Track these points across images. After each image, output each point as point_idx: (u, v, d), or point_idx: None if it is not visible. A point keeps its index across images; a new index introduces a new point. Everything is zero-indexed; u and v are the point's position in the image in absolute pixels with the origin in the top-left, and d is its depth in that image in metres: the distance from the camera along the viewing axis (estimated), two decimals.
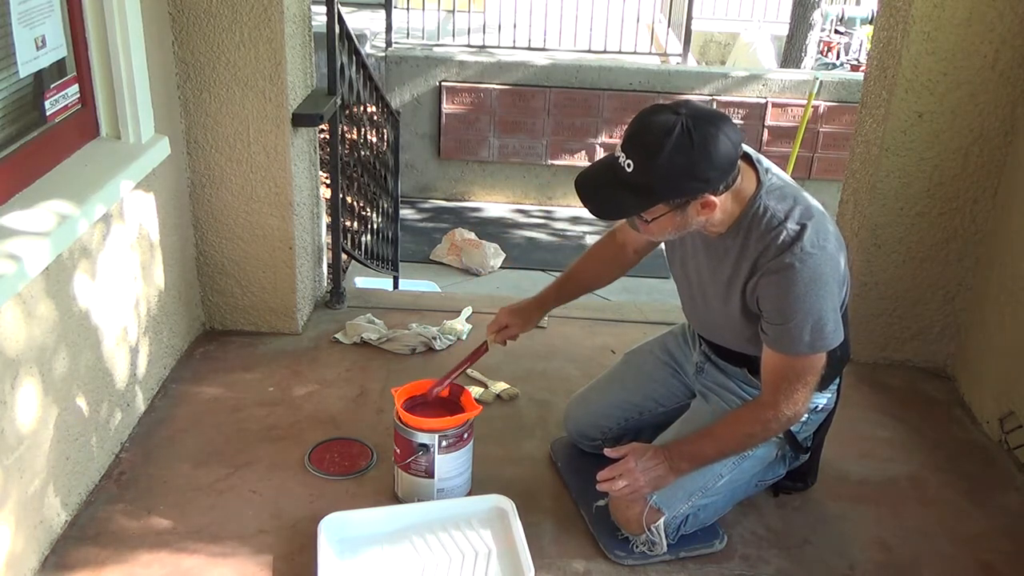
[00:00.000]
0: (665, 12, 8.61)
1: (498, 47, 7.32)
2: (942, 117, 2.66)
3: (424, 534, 2.10)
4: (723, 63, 10.68)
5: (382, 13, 7.13)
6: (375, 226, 4.50)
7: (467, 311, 3.20)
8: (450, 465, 2.18)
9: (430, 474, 2.18)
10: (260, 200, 2.83)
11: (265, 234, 2.87)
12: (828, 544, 2.21)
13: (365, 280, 4.90)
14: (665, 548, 2.08)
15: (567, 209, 6.97)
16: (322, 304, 3.23)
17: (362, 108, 4.10)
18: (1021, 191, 2.61)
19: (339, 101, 3.13)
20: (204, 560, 2.07)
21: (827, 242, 1.85)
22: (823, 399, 2.14)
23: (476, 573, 2.01)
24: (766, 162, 1.95)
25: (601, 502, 2.15)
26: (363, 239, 4.29)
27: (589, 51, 7.44)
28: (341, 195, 3.33)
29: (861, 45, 10.92)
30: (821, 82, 6.41)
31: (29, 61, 2.07)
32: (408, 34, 7.30)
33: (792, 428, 2.11)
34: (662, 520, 2.04)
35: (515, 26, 7.28)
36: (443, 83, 6.83)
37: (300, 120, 2.78)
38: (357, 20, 7.36)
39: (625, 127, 1.83)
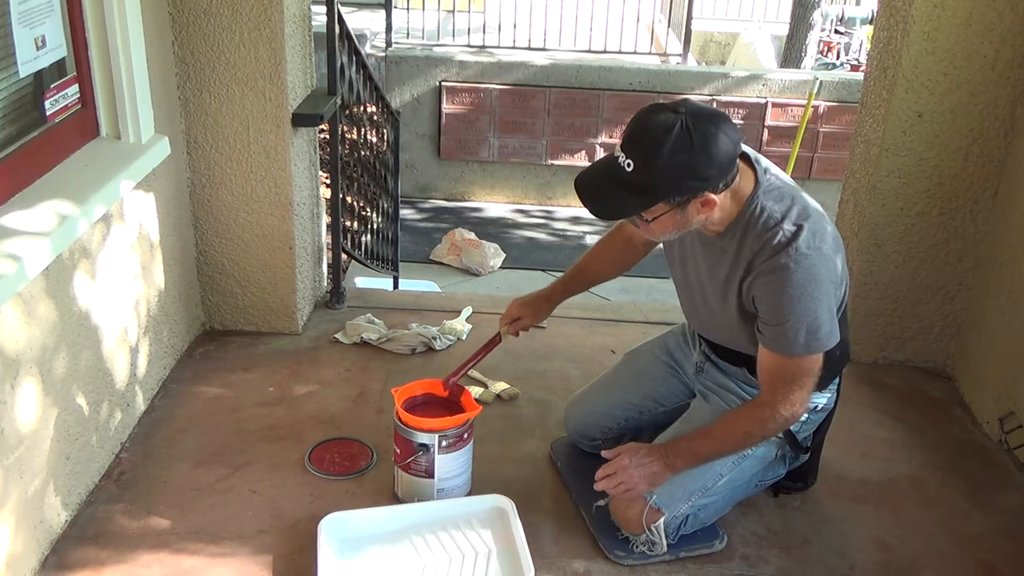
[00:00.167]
0: (665, 12, 8.61)
1: (498, 47, 7.32)
2: (942, 117, 2.66)
3: (424, 534, 2.10)
4: (723, 63, 10.68)
5: (382, 13, 7.13)
6: (375, 226, 4.50)
7: (467, 311, 3.20)
8: (450, 465, 2.18)
9: (430, 474, 2.18)
10: (260, 200, 2.83)
11: (265, 234, 2.87)
12: (828, 544, 2.21)
13: (365, 280, 4.90)
14: (665, 548, 2.08)
15: (567, 209, 6.97)
16: (322, 304, 3.23)
17: (362, 108, 4.10)
18: (1021, 191, 2.61)
19: (339, 101, 3.13)
20: (204, 560, 2.07)
21: (823, 243, 1.85)
22: (823, 399, 2.14)
23: (476, 573, 2.01)
24: (765, 162, 1.95)
25: (601, 502, 2.15)
26: (363, 239, 4.29)
27: (589, 51, 7.44)
28: (341, 195, 3.33)
29: (861, 45, 10.92)
30: (821, 82, 6.41)
31: (29, 61, 2.07)
32: (408, 34, 7.30)
33: (792, 428, 2.11)
34: (662, 520, 2.04)
35: (515, 26, 7.28)
36: (443, 83, 6.83)
37: (300, 120, 2.78)
38: (357, 20, 7.36)
39: (624, 127, 1.83)
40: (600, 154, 6.86)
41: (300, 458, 2.41)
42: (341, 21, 3.14)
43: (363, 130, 4.28)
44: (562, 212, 6.97)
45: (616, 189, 1.79)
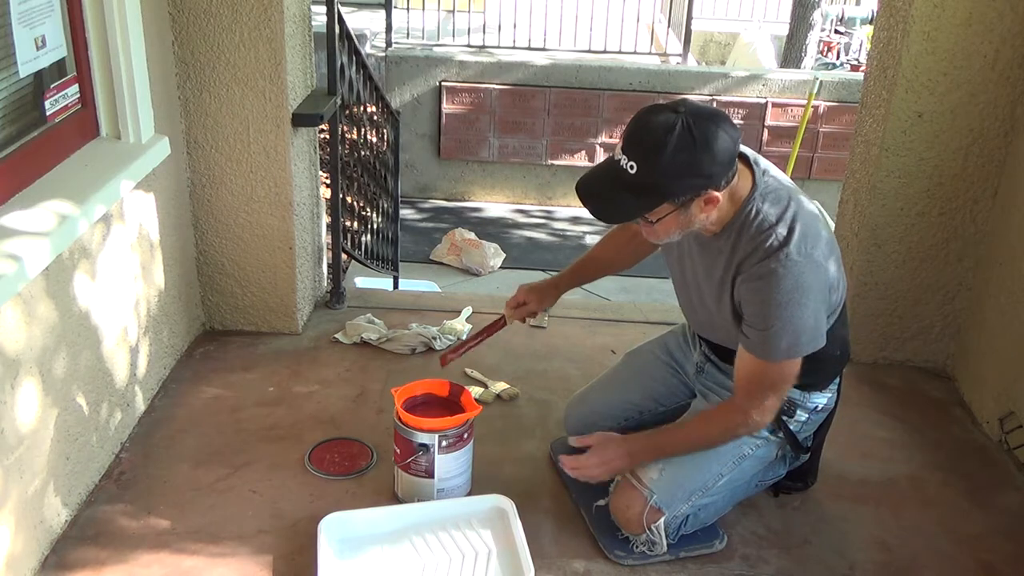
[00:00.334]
0: (665, 12, 8.61)
1: (498, 47, 7.32)
2: (942, 117, 2.66)
3: (424, 534, 2.10)
4: (723, 63, 10.68)
5: (382, 13, 7.13)
6: (375, 226, 4.50)
7: (467, 311, 3.20)
8: (450, 465, 2.18)
9: (430, 474, 2.18)
10: (260, 200, 2.83)
11: (265, 234, 2.87)
12: (828, 544, 2.21)
13: (365, 280, 4.90)
14: (665, 548, 2.08)
15: (567, 209, 6.97)
16: (322, 304, 3.23)
17: (362, 108, 4.10)
18: (1021, 191, 2.61)
19: (339, 101, 3.13)
20: (204, 560, 2.07)
21: (815, 249, 1.84)
22: (823, 399, 2.14)
23: (476, 573, 2.01)
24: (764, 163, 1.95)
25: (601, 502, 2.16)
26: (363, 239, 4.29)
27: (589, 51, 7.44)
28: (341, 195, 3.33)
29: (861, 45, 10.92)
30: (821, 82, 6.41)
31: (29, 61, 2.07)
32: (408, 34, 7.30)
33: (792, 428, 2.11)
34: (662, 520, 2.05)
35: (515, 26, 7.28)
36: (443, 83, 6.83)
37: (300, 120, 2.78)
38: (357, 20, 7.36)
39: (624, 129, 1.83)
40: (600, 154, 6.87)
41: (300, 458, 2.41)
42: (341, 21, 3.14)
43: (363, 130, 4.28)
44: (562, 212, 6.97)
45: (619, 192, 1.79)
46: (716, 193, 1.80)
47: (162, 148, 2.51)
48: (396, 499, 2.26)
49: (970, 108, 2.64)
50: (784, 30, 9.56)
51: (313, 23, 2.94)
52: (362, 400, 2.70)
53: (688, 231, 1.89)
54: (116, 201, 2.28)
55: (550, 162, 7.05)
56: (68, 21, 2.23)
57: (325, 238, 3.36)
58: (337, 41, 3.05)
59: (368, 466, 2.40)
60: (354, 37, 3.49)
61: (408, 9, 7.42)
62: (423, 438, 2.15)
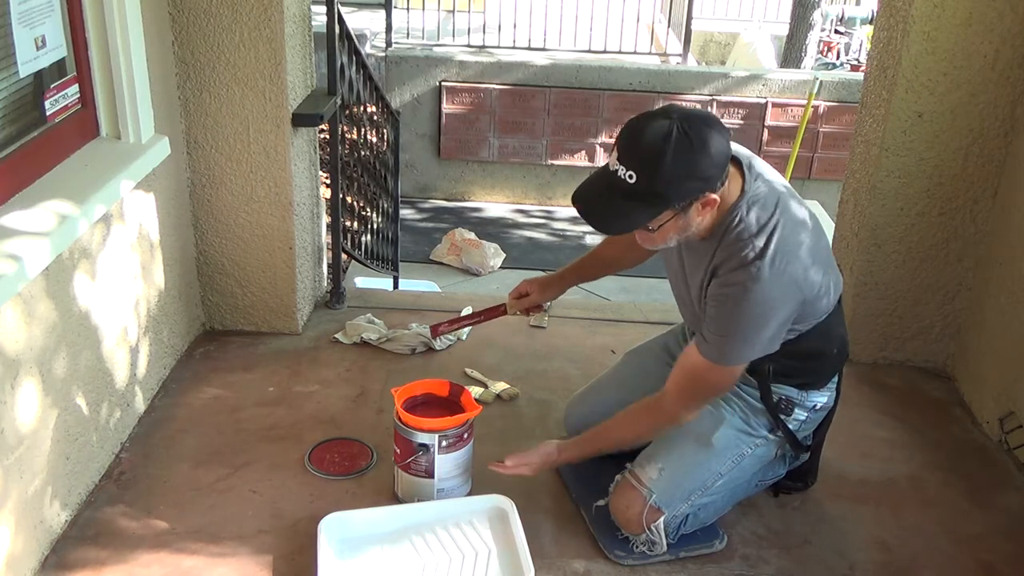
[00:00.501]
0: (665, 12, 8.61)
1: (498, 47, 7.32)
2: (942, 117, 2.66)
3: (424, 534, 2.10)
4: (723, 63, 10.68)
5: (382, 13, 7.13)
6: (375, 226, 4.50)
7: (467, 311, 3.20)
8: (450, 465, 2.18)
9: (430, 474, 2.18)
10: (260, 200, 2.83)
11: (265, 234, 2.87)
12: (828, 544, 2.21)
13: (365, 280, 4.90)
14: (665, 548, 2.08)
15: (567, 209, 6.96)
16: (322, 304, 3.23)
17: (362, 108, 4.10)
18: (1021, 191, 2.61)
19: (339, 101, 3.13)
20: (204, 560, 2.07)
21: (789, 264, 1.84)
22: (822, 397, 2.14)
23: (476, 573, 2.01)
24: (759, 166, 1.94)
25: (601, 502, 2.16)
26: (363, 239, 4.29)
27: (589, 51, 7.44)
28: (341, 195, 3.33)
29: (861, 45, 10.92)
30: (821, 82, 6.41)
31: (29, 61, 2.07)
32: (408, 34, 7.30)
33: (791, 427, 2.12)
34: (662, 520, 2.05)
35: (515, 26, 7.28)
36: (443, 83, 6.83)
37: (300, 120, 2.78)
38: (357, 20, 7.36)
39: (616, 140, 1.82)
40: (600, 154, 6.87)
41: (300, 458, 2.41)
42: (341, 21, 3.14)
43: (363, 130, 4.28)
44: (562, 212, 6.97)
45: (621, 202, 1.78)
46: (713, 195, 1.81)
47: (162, 148, 2.51)
48: (396, 499, 2.26)
49: (970, 108, 2.64)
50: (784, 30, 9.56)
51: (313, 23, 2.94)
52: (362, 400, 2.70)
53: (685, 235, 1.89)
54: (116, 201, 2.28)
55: (550, 162, 7.05)
56: (68, 21, 2.23)
57: (325, 238, 3.36)
58: (337, 41, 3.05)
59: (368, 466, 2.40)
60: (354, 37, 3.48)
61: (408, 9, 7.42)
62: (423, 438, 2.15)
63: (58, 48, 2.20)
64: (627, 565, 2.10)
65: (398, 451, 2.21)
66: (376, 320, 3.07)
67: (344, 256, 3.54)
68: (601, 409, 2.37)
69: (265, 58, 2.64)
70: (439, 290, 5.26)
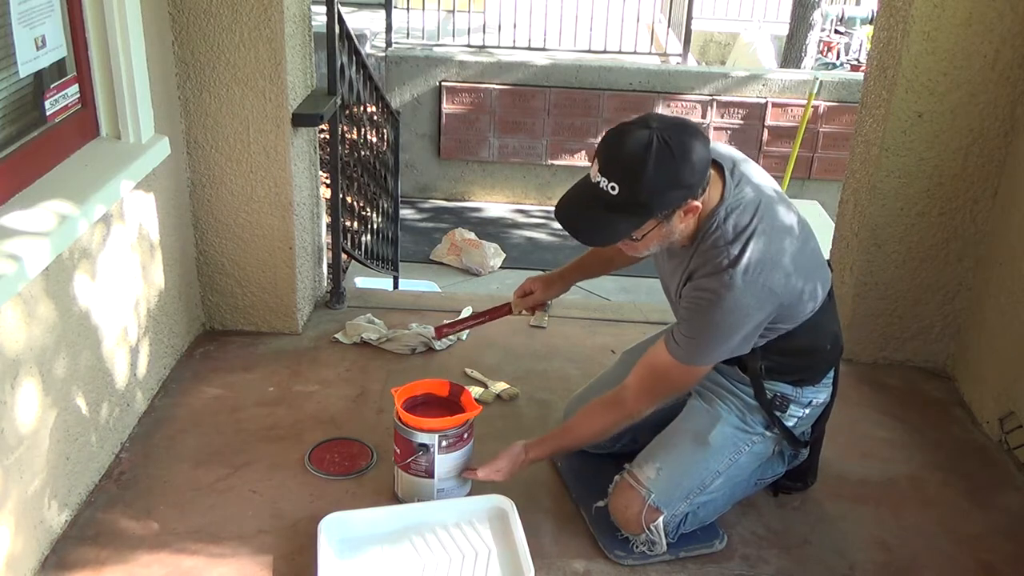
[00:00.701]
0: (665, 12, 8.61)
1: (498, 47, 7.32)
2: (942, 117, 2.66)
3: (424, 534, 2.10)
4: (723, 63, 10.68)
5: (382, 13, 7.13)
6: (375, 226, 4.50)
7: (467, 311, 3.20)
8: (450, 465, 2.19)
9: (430, 474, 2.18)
10: (260, 200, 2.83)
11: (265, 234, 2.87)
12: (828, 544, 2.21)
13: (365, 280, 4.91)
14: (665, 548, 2.08)
15: None
16: (322, 304, 3.23)
17: (362, 108, 4.10)
18: (1021, 191, 2.61)
19: (339, 101, 3.13)
20: (204, 560, 2.07)
21: (762, 274, 1.84)
22: (819, 394, 2.15)
23: (476, 573, 2.01)
24: (743, 170, 1.94)
25: (601, 502, 2.16)
26: (363, 239, 4.29)
27: (589, 51, 7.44)
28: (341, 195, 3.33)
29: (861, 45, 10.92)
30: (821, 82, 6.41)
31: (29, 61, 2.07)
32: (408, 34, 7.30)
33: (788, 424, 2.12)
34: (661, 519, 2.05)
35: (515, 26, 7.28)
36: (443, 83, 6.83)
37: (300, 120, 2.78)
38: (357, 20, 7.36)
39: (596, 152, 1.82)
40: None
41: (300, 458, 2.41)
42: (341, 21, 3.14)
43: (363, 130, 4.28)
44: None
45: (604, 214, 1.79)
46: (695, 202, 1.82)
47: (162, 148, 2.51)
48: (396, 499, 2.26)
49: (970, 108, 2.64)
50: (784, 30, 9.56)
51: (313, 23, 2.94)
52: (362, 400, 2.70)
53: (669, 242, 1.90)
54: (116, 201, 2.28)
55: (550, 162, 7.05)
56: (68, 21, 2.23)
57: (325, 238, 3.36)
58: (337, 41, 3.05)
59: (368, 466, 2.40)
60: (354, 37, 3.49)
61: (408, 9, 7.42)
62: (423, 438, 2.15)
63: (58, 48, 2.20)
64: (627, 565, 2.10)
65: (398, 451, 2.21)
66: (376, 320, 3.07)
67: (344, 256, 3.54)
68: None
69: (265, 58, 2.64)
70: (439, 290, 5.26)
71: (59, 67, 2.23)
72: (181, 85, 2.69)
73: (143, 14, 2.39)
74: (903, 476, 2.48)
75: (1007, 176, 2.69)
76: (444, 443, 2.15)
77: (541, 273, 2.44)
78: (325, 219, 3.35)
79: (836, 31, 11.32)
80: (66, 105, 2.27)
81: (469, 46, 7.27)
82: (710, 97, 6.81)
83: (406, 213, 6.53)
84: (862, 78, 2.97)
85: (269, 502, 2.25)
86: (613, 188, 1.76)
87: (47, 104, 2.19)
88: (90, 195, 2.12)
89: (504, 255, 6.11)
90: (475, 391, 2.66)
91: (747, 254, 1.83)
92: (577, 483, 2.32)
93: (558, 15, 7.40)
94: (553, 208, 1.90)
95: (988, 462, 2.57)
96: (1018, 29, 2.54)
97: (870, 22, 10.82)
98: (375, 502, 2.24)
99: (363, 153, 4.35)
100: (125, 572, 2.03)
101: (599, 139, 1.89)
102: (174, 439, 2.48)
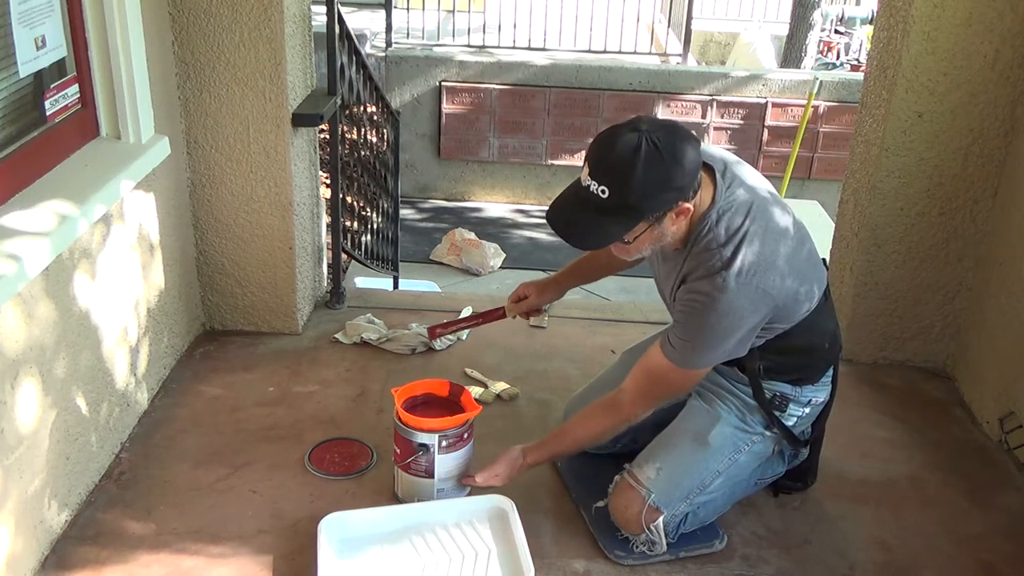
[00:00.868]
0: (665, 12, 8.61)
1: (498, 47, 7.32)
2: (942, 117, 2.66)
3: (424, 534, 2.10)
4: (723, 63, 10.68)
5: (382, 13, 7.13)
6: (375, 226, 4.50)
7: (467, 311, 3.20)
8: (450, 465, 2.19)
9: (430, 474, 2.18)
10: (260, 200, 2.83)
11: (265, 234, 2.87)
12: (828, 544, 2.21)
13: (365, 280, 4.91)
14: (665, 548, 2.08)
15: None
16: (322, 304, 3.23)
17: (362, 108, 4.10)
18: (1021, 191, 2.61)
19: (339, 101, 3.13)
20: (204, 560, 2.07)
21: (755, 276, 1.84)
22: (818, 393, 2.15)
23: (476, 573, 2.01)
24: (739, 171, 1.94)
25: (601, 502, 2.16)
26: (363, 239, 4.29)
27: (589, 51, 7.45)
28: (341, 195, 3.33)
29: (861, 45, 10.92)
30: (821, 82, 6.41)
31: (29, 61, 2.07)
32: (408, 34, 7.30)
33: (788, 423, 2.12)
34: (661, 519, 2.05)
35: (515, 26, 7.29)
36: (443, 83, 6.83)
37: (300, 120, 2.78)
38: (357, 20, 7.36)
39: (586, 156, 1.83)
40: None
41: (300, 458, 2.41)
42: (341, 21, 3.14)
43: (363, 130, 4.28)
44: None
45: (595, 218, 1.80)
46: (687, 204, 1.82)
47: (162, 148, 2.51)
48: (396, 499, 2.26)
49: (970, 108, 2.64)
50: (784, 30, 9.56)
51: (313, 23, 2.94)
52: (362, 400, 2.70)
53: (661, 244, 1.90)
54: (116, 201, 2.28)
55: (550, 162, 7.05)
56: (68, 21, 2.23)
57: (325, 238, 3.36)
58: (337, 41, 3.05)
59: (368, 466, 2.40)
60: (354, 37, 3.49)
61: (408, 9, 7.42)
62: (423, 438, 2.15)
63: (58, 48, 2.20)
64: (627, 565, 2.10)
65: (398, 451, 2.21)
66: (376, 320, 3.07)
67: (344, 256, 3.54)
68: None
69: (265, 58, 2.64)
70: (439, 290, 5.26)
71: (59, 67, 2.23)
72: (181, 85, 2.69)
73: (143, 14, 2.39)
74: (903, 476, 2.48)
75: (1007, 176, 2.69)
76: (444, 443, 2.15)
77: (541, 274, 2.45)
78: (325, 219, 3.35)
79: (836, 31, 11.32)
80: (66, 105, 2.27)
81: (469, 46, 7.27)
82: (710, 97, 6.81)
83: (406, 213, 6.53)
84: (862, 78, 2.97)
85: (269, 502, 2.25)
86: (603, 191, 1.76)
87: (47, 104, 2.19)
88: (90, 195, 2.12)
89: (504, 255, 6.11)
90: (475, 391, 2.66)
91: (740, 256, 1.83)
92: (577, 483, 2.32)
93: (558, 15, 7.41)
94: None
95: (988, 462, 2.57)
96: (1018, 29, 2.54)
97: (870, 22, 10.82)
98: (375, 502, 2.24)
99: (363, 153, 4.35)
100: (125, 572, 2.03)
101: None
102: (174, 439, 2.48)
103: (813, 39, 9.16)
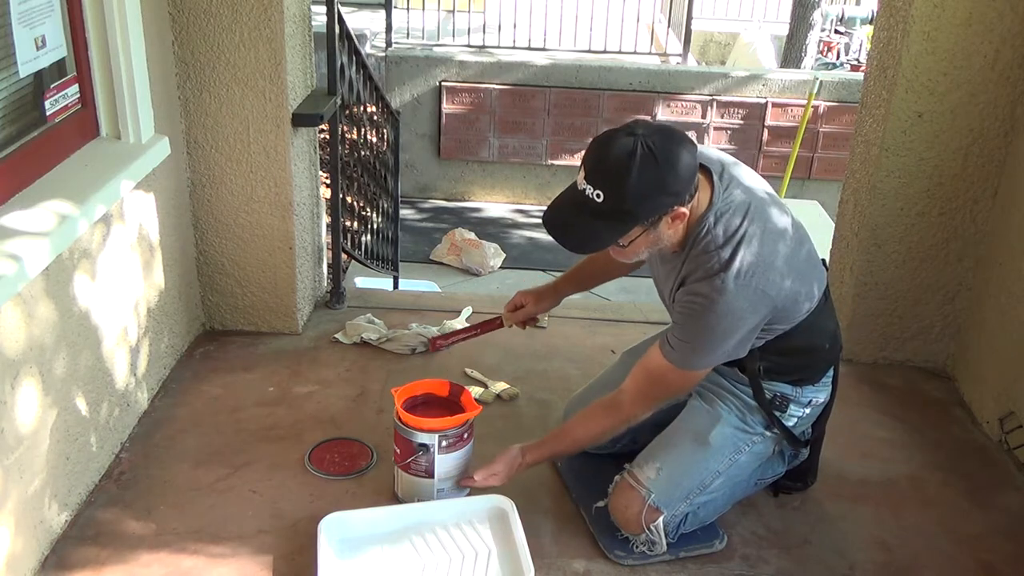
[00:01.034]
0: (665, 12, 8.61)
1: (498, 47, 7.32)
2: (942, 117, 2.66)
3: (424, 534, 2.10)
4: (723, 63, 10.68)
5: (382, 13, 7.13)
6: (375, 226, 4.50)
7: (467, 311, 3.20)
8: (450, 465, 2.19)
9: (430, 474, 2.18)
10: (260, 200, 2.83)
11: (265, 234, 2.87)
12: (828, 544, 2.21)
13: (365, 280, 4.91)
14: (665, 548, 2.08)
15: None
16: (322, 304, 3.23)
17: (362, 108, 4.10)
18: (1021, 191, 2.61)
19: (339, 101, 3.13)
20: (204, 560, 2.07)
21: (755, 277, 1.84)
22: (818, 393, 2.15)
23: (476, 573, 2.01)
24: (737, 173, 1.94)
25: (601, 502, 2.16)
26: (363, 239, 4.29)
27: (589, 51, 7.45)
28: (341, 195, 3.33)
29: (861, 45, 10.92)
30: (821, 82, 6.41)
31: (29, 61, 2.08)
32: (408, 34, 7.30)
33: (788, 423, 2.12)
34: (661, 519, 2.05)
35: (515, 26, 7.29)
36: (443, 83, 6.83)
37: (300, 120, 2.78)
38: (357, 20, 7.37)
39: (582, 160, 1.83)
40: None
41: (300, 458, 2.41)
42: (341, 21, 3.14)
43: (363, 130, 4.28)
44: None
45: (590, 221, 1.80)
46: (682, 209, 1.82)
47: (162, 148, 2.51)
48: (396, 499, 2.26)
49: (970, 108, 2.64)
50: (784, 30, 9.56)
51: (313, 23, 2.94)
52: (362, 400, 2.70)
53: (657, 248, 1.91)
54: (116, 201, 2.28)
55: (550, 162, 7.05)
56: (68, 21, 2.23)
57: (325, 238, 3.36)
58: (337, 41, 3.05)
59: (368, 466, 2.40)
60: (354, 37, 3.49)
61: (408, 9, 7.42)
62: (423, 438, 2.15)
63: (58, 48, 2.20)
64: (627, 565, 2.10)
65: (398, 451, 2.21)
66: (376, 320, 3.07)
67: (344, 256, 3.54)
68: None
69: (265, 58, 2.64)
70: (439, 290, 5.26)
71: (59, 67, 2.23)
72: (181, 85, 2.69)
73: (143, 14, 2.39)
74: (903, 476, 2.48)
75: (1007, 176, 2.69)
76: (444, 443, 2.15)
77: (541, 274, 2.45)
78: (325, 219, 3.35)
79: (836, 31, 11.32)
80: (66, 105, 2.27)
81: (469, 46, 7.27)
82: (710, 97, 6.81)
83: (406, 213, 6.53)
84: (862, 78, 2.97)
85: (269, 502, 2.25)
86: (598, 195, 1.77)
87: (47, 104, 2.19)
88: (90, 195, 2.12)
89: (504, 255, 6.11)
90: (475, 391, 2.66)
91: (738, 257, 1.84)
92: (577, 483, 2.32)
93: (558, 15, 7.41)
94: None
95: (988, 462, 2.57)
96: (1018, 29, 2.54)
97: (870, 22, 10.82)
98: (375, 502, 2.24)
99: (363, 153, 4.35)
100: (125, 572, 2.03)
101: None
102: (174, 439, 2.48)
103: (813, 39, 9.16)
